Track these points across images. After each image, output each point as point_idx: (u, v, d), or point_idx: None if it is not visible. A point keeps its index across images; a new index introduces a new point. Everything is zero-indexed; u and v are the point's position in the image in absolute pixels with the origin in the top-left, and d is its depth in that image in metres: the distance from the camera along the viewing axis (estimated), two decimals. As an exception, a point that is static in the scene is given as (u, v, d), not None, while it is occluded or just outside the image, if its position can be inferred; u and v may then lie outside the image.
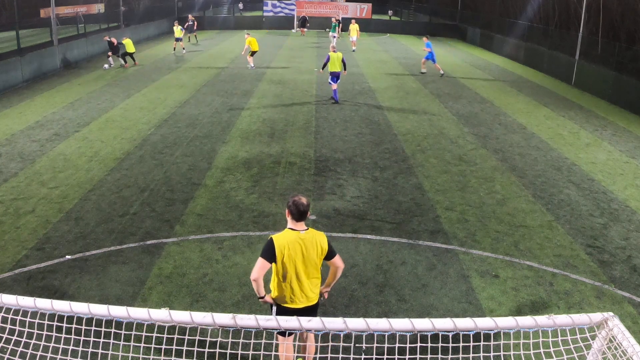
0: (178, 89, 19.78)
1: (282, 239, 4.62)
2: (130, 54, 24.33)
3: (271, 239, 4.63)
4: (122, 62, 24.37)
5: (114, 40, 23.98)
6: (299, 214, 4.62)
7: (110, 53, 24.02)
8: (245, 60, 25.24)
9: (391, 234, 8.74)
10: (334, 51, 17.59)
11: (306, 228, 4.70)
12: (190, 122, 15.22)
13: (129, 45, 24.06)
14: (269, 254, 4.58)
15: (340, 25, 37.00)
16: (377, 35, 43.07)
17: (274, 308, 4.88)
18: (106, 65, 23.67)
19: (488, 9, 43.28)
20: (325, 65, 17.62)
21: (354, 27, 32.33)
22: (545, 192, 10.85)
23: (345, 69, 17.89)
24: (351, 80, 22.22)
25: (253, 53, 24.31)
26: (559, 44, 27.38)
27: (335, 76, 17.70)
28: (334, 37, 34.66)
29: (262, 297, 4.74)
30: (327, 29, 41.90)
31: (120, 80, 21.15)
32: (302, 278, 4.69)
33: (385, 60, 28.95)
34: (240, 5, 59.52)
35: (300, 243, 4.62)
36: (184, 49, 29.41)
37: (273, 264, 4.64)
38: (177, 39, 28.92)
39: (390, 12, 60.67)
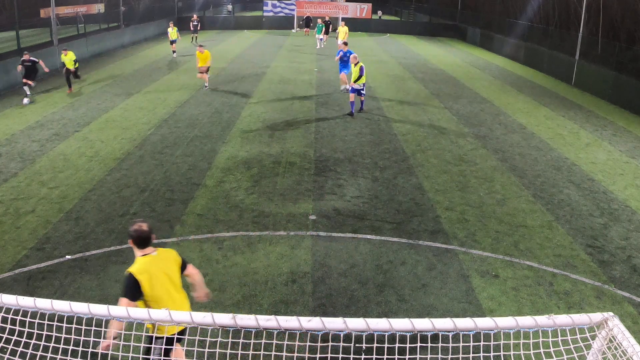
0: (178, 89, 19.78)
1: (140, 268, 4.46)
2: (74, 72, 18.47)
3: (129, 273, 4.42)
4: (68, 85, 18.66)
5: (34, 59, 17.30)
6: (144, 241, 4.56)
7: (25, 79, 16.96)
8: (246, 61, 25.00)
9: (391, 234, 8.74)
10: (358, 61, 16.19)
11: (154, 249, 4.65)
12: (190, 122, 15.21)
13: (68, 60, 18.19)
14: (133, 290, 4.35)
15: (330, 26, 36.15)
16: (377, 35, 43.06)
17: (157, 347, 4.42)
18: (26, 100, 16.84)
19: (488, 9, 43.28)
20: (360, 77, 16.01)
21: (342, 30, 29.84)
22: (545, 192, 10.85)
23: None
24: (351, 80, 22.22)
25: (207, 69, 19.69)
26: (559, 44, 27.38)
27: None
28: (320, 39, 34.04)
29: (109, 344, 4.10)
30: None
31: (120, 81, 21.15)
32: (175, 297, 4.58)
33: (385, 60, 28.93)
34: (229, 7, 59.52)
35: (158, 263, 4.57)
36: (174, 52, 27.76)
37: (140, 301, 4.40)
38: (172, 41, 27.45)
39: (379, 12, 59.62)
